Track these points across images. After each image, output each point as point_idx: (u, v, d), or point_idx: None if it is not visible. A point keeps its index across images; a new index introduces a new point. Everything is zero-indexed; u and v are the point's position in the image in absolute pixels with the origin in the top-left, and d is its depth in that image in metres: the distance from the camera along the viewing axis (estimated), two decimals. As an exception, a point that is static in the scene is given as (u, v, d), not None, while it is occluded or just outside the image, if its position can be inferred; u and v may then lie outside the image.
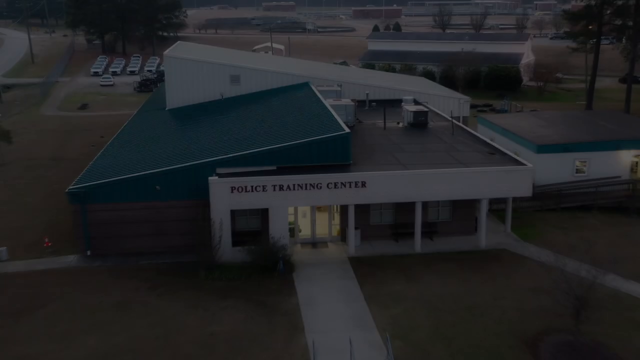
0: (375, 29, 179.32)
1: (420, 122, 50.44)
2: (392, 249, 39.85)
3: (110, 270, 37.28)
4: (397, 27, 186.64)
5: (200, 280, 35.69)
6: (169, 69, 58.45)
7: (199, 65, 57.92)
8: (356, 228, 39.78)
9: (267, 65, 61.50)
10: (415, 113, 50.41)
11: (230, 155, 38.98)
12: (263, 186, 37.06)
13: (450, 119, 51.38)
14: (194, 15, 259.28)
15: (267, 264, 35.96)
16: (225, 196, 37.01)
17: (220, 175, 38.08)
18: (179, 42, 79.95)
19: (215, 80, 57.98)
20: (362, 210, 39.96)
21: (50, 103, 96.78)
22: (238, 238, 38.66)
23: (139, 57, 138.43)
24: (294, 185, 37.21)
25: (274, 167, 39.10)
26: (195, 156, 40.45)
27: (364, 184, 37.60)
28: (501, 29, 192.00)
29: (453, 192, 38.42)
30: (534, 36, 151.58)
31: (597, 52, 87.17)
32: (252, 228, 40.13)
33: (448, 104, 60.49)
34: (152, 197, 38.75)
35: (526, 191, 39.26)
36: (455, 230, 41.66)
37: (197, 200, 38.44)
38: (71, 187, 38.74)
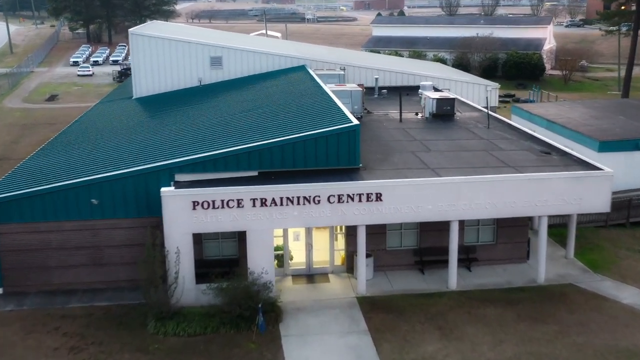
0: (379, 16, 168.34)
1: (445, 112, 39.81)
2: (417, 284, 29.23)
3: (26, 317, 26.63)
4: (402, 15, 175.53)
5: (148, 335, 25.09)
6: (135, 49, 47.64)
7: (172, 45, 47.19)
8: (368, 255, 29.16)
9: (255, 46, 50.80)
10: (439, 101, 39.75)
11: (194, 156, 28.28)
12: (238, 200, 26.42)
13: (485, 108, 40.70)
14: (190, 7, 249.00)
15: (242, 313, 25.28)
16: (184, 214, 26.37)
17: (178, 185, 27.45)
18: (153, 21, 69.19)
19: (192, 63, 47.35)
20: (376, 230, 29.36)
21: (18, 94, 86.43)
22: (206, 269, 28.10)
23: (124, 46, 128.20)
24: (281, 198, 26.57)
25: (255, 173, 28.47)
26: (150, 158, 29.81)
27: (379, 197, 26.95)
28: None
29: (503, 207, 27.72)
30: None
31: (635, 35, 76.36)
32: (226, 255, 29.57)
33: (473, 91, 50.12)
34: (88, 215, 28.20)
35: (603, 205, 28.54)
36: (501, 257, 31.05)
37: (150, 218, 27.92)
38: (-26, 201, 28.11)
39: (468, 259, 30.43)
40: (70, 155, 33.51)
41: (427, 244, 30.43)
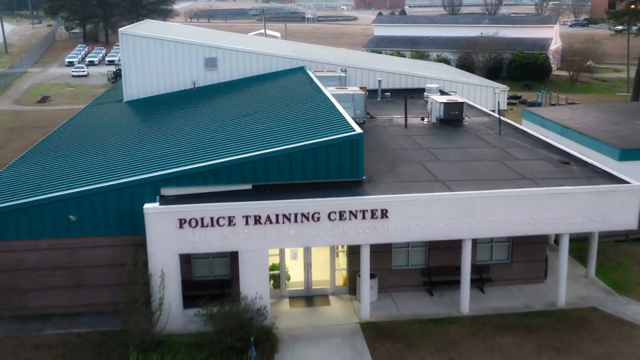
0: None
1: (453, 117, 37.39)
2: (426, 307, 26.74)
3: (-5, 346, 24.22)
4: (404, 14, 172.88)
5: (129, 368, 22.67)
6: (126, 50, 45.12)
7: (164, 45, 44.68)
8: (372, 275, 26.74)
9: (252, 46, 48.36)
10: (447, 105, 37.31)
11: (182, 168, 25.82)
12: (229, 217, 23.95)
13: (494, 112, 38.28)
14: (189, 6, 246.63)
15: (233, 344, 22.79)
16: (170, 234, 23.91)
17: (163, 200, 24.99)
18: (145, 20, 66.74)
19: (186, 64, 44.85)
20: (381, 248, 26.92)
21: (9, 95, 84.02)
22: (195, 291, 25.77)
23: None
24: (277, 216, 24.11)
25: (249, 186, 26.02)
26: (135, 169, 27.35)
27: (385, 214, 24.48)
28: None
29: (521, 224, 25.26)
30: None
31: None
32: (217, 275, 27.13)
33: (480, 93, 47.70)
34: (65, 232, 25.72)
35: (630, 221, 26.01)
36: (517, 277, 28.58)
37: (134, 236, 25.53)
38: (-60, 218, 25.64)
39: (481, 279, 27.96)
40: (49, 165, 31.03)
41: (437, 262, 27.97)
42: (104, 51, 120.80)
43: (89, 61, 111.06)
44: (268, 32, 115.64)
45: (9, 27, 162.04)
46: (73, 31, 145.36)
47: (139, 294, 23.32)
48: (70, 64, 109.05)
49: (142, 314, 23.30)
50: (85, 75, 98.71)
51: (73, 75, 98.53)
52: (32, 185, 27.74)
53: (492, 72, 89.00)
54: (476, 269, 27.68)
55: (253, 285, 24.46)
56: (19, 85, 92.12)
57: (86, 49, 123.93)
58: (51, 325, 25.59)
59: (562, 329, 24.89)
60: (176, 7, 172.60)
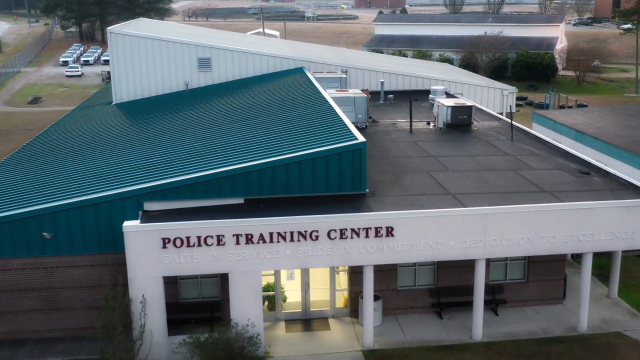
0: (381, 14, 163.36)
1: (461, 122, 35.10)
2: (435, 332, 24.41)
3: (-40, 378, 21.95)
4: (405, 13, 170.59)
5: (106, 405, 20.36)
6: (115, 50, 42.84)
7: (155, 45, 42.44)
8: (376, 297, 24.45)
9: (248, 46, 46.07)
10: (454, 109, 35.02)
11: (167, 181, 23.49)
12: (218, 236, 21.63)
13: (503, 116, 35.96)
14: (187, 5, 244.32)
15: (222, 378, 20.53)
16: (152, 254, 21.58)
17: (146, 216, 22.66)
18: (139, 18, 64.38)
19: (178, 65, 42.67)
20: (386, 267, 24.62)
21: (0, 96, 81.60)
22: (182, 314, 23.54)
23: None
24: (271, 234, 21.79)
25: (241, 200, 23.70)
26: (116, 181, 25.04)
27: (390, 232, 22.17)
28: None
29: (540, 242, 22.96)
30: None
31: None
32: (206, 297, 24.81)
33: (487, 95, 45.56)
34: (40, 251, 23.40)
35: (659, 240, 23.77)
36: (533, 298, 26.25)
37: (114, 254, 23.24)
38: None
39: (494, 300, 25.63)
40: (24, 175, 28.63)
41: (446, 282, 25.65)
42: (99, 50, 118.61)
43: (84, 61, 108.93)
44: (267, 31, 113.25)
45: (5, 25, 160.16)
46: (69, 30, 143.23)
47: (118, 319, 21.00)
48: (65, 63, 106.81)
49: (121, 342, 20.99)
50: (79, 75, 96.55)
51: (67, 75, 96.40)
52: (4, 198, 25.41)
53: (497, 72, 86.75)
54: (489, 289, 25.36)
55: (245, 310, 22.15)
56: (11, 85, 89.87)
57: (82, 49, 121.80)
58: (23, 352, 23.26)
59: (585, 357, 22.60)
60: (174, 5, 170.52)
